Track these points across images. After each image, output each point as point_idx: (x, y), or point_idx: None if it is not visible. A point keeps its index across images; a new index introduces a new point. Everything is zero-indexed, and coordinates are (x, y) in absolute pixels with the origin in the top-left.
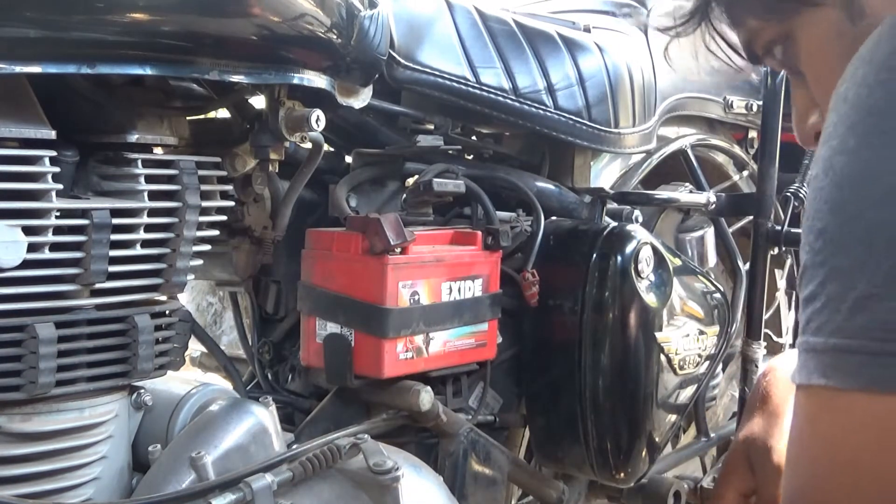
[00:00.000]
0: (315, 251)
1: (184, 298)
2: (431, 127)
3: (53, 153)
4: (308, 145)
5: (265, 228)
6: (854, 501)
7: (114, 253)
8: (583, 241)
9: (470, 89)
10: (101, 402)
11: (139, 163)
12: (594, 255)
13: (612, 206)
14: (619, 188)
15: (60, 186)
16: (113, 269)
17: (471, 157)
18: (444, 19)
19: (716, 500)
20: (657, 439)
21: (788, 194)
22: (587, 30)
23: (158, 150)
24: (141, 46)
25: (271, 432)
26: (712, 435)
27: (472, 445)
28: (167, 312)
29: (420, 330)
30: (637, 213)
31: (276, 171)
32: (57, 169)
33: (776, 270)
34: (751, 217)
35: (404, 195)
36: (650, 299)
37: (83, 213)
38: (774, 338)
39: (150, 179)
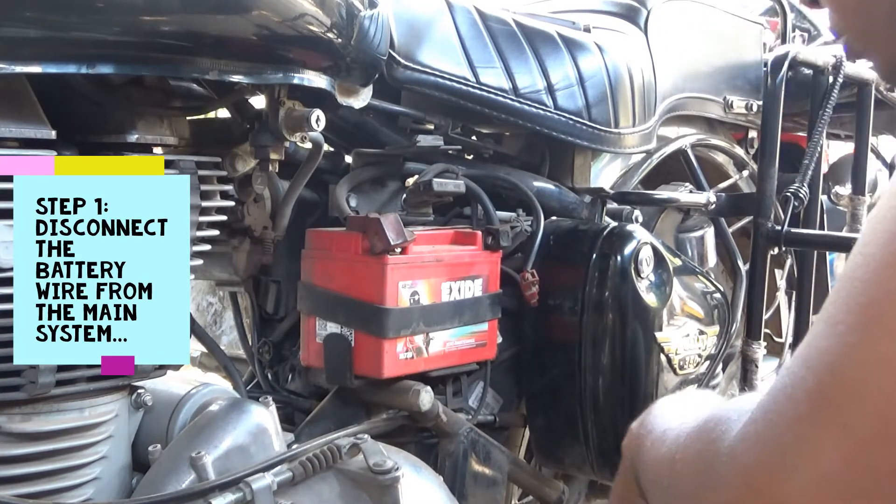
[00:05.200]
0: (315, 251)
1: None
2: (431, 127)
3: (53, 153)
4: (308, 145)
5: (265, 228)
6: None
7: None
8: (583, 241)
9: (470, 89)
10: (101, 402)
11: None
12: (594, 255)
13: (612, 206)
14: (619, 188)
15: None
16: None
17: (471, 157)
18: (444, 19)
19: None
20: None
21: (788, 194)
22: (587, 30)
23: (158, 150)
24: (141, 46)
25: (271, 432)
26: None
27: (472, 445)
28: None
29: (420, 330)
30: (637, 213)
31: (276, 171)
32: None
33: (776, 270)
34: (751, 217)
35: (404, 195)
36: (650, 299)
37: None
38: (774, 338)
39: None
